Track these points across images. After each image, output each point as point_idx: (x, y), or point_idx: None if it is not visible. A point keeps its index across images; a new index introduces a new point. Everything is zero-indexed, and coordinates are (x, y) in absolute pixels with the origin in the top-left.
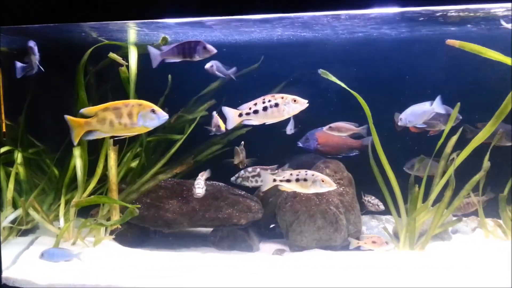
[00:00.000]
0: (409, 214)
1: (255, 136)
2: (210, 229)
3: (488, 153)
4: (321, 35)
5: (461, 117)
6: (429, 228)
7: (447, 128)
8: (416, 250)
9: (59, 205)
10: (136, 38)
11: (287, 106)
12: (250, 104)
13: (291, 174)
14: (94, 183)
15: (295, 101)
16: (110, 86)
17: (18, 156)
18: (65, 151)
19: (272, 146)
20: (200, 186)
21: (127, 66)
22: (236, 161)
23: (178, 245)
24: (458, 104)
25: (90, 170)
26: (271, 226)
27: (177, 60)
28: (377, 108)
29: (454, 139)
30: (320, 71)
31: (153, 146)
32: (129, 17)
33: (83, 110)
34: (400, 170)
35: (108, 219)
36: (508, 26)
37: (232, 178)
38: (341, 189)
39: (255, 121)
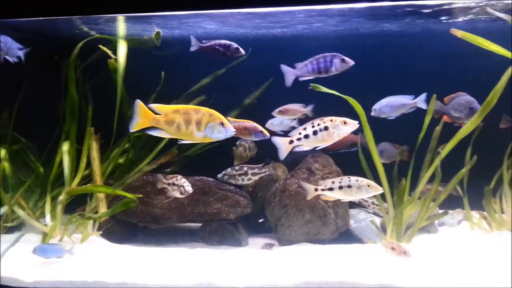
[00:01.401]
0: (396, 207)
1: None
2: (199, 225)
3: (470, 147)
4: (314, 29)
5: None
6: (415, 221)
7: (426, 121)
8: (403, 243)
9: (45, 202)
10: (126, 32)
11: (337, 129)
12: (300, 129)
13: (333, 182)
14: (79, 178)
15: (345, 123)
16: (97, 81)
17: (2, 152)
18: (53, 147)
19: (265, 142)
20: (188, 183)
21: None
22: (236, 162)
23: (166, 240)
24: (434, 96)
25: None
26: (260, 220)
27: (312, 77)
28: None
29: (438, 130)
30: (311, 85)
31: (141, 142)
32: (119, 11)
33: (154, 106)
34: (389, 164)
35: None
36: (497, 13)
37: (219, 175)
38: None
39: (306, 146)
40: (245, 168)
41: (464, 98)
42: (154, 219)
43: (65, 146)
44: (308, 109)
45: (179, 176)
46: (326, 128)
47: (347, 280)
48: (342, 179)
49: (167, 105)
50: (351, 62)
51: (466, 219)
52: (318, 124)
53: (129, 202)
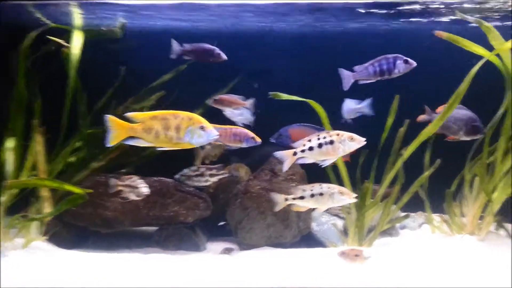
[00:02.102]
0: (358, 210)
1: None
2: (155, 228)
3: (429, 150)
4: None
5: None
6: (377, 224)
7: (388, 122)
8: (364, 246)
9: None
10: (82, 22)
11: (342, 144)
12: (304, 141)
13: (304, 190)
14: (26, 175)
15: (352, 138)
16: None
17: None
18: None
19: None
20: (145, 185)
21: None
22: (197, 162)
23: (119, 245)
24: (397, 96)
25: None
26: (220, 223)
27: (373, 80)
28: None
29: (402, 132)
30: (270, 94)
31: (97, 139)
32: None
33: (130, 114)
34: (353, 166)
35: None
36: (466, 17)
37: (176, 176)
38: (293, 185)
39: (309, 159)
40: (203, 169)
41: (464, 113)
42: (106, 222)
43: (10, 143)
44: (248, 102)
45: (135, 177)
46: (331, 142)
47: (309, 286)
48: (313, 186)
49: (144, 112)
50: (414, 63)
51: (427, 222)
52: (324, 137)
53: (76, 199)
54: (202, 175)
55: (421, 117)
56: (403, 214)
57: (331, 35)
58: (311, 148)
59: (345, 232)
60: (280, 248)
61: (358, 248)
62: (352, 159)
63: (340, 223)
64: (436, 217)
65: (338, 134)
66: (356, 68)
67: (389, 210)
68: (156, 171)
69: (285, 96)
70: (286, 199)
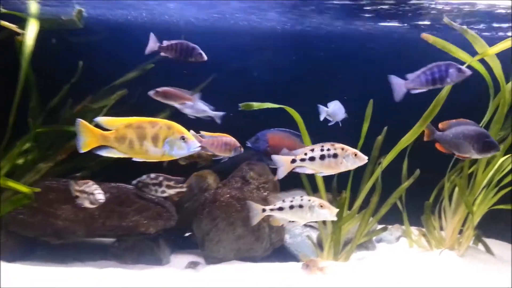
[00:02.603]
0: (334, 222)
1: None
2: (112, 240)
3: (405, 159)
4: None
5: None
6: (354, 237)
7: (364, 128)
8: (340, 261)
9: None
10: (38, 10)
11: (345, 159)
12: (306, 149)
13: (283, 201)
14: None
15: (355, 155)
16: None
17: None
18: None
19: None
20: (100, 191)
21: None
22: (182, 161)
23: (70, 258)
24: (371, 100)
25: None
26: (186, 235)
27: (424, 89)
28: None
29: (380, 140)
30: (241, 105)
31: (49, 140)
32: None
33: (101, 120)
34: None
35: None
36: (453, 23)
37: (133, 182)
38: (265, 193)
39: (309, 169)
40: (161, 178)
41: (473, 128)
42: (56, 232)
43: None
44: (194, 97)
45: (91, 182)
46: (335, 156)
47: None
48: (293, 197)
49: (118, 118)
50: (468, 72)
51: (405, 235)
52: (328, 149)
53: (21, 199)
54: (159, 184)
55: (426, 136)
56: (381, 226)
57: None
58: (312, 158)
59: (319, 245)
60: (250, 262)
61: (318, 259)
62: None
63: (314, 235)
64: (414, 231)
65: (343, 149)
66: (409, 76)
67: (366, 222)
68: (116, 177)
69: (256, 105)
70: (264, 210)
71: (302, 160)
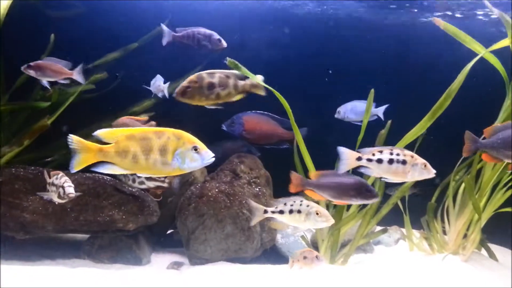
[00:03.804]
0: (333, 223)
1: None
2: (86, 236)
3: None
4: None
5: None
6: (353, 239)
7: (364, 121)
8: (338, 264)
9: None
10: None
11: (413, 169)
12: (374, 149)
13: (285, 205)
14: None
15: (425, 166)
16: None
17: None
18: None
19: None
20: (70, 184)
21: None
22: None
23: (38, 256)
24: (372, 90)
25: None
26: (168, 232)
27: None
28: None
29: (383, 135)
30: (228, 60)
31: (15, 125)
32: None
33: (99, 133)
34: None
35: None
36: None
37: None
38: (257, 189)
39: (374, 171)
40: None
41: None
42: (22, 226)
43: None
44: (75, 72)
45: (61, 174)
46: (404, 162)
47: None
48: (294, 201)
49: (118, 129)
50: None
51: (406, 238)
52: (398, 154)
53: None
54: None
55: (466, 148)
56: (380, 228)
57: None
58: (380, 161)
59: (313, 246)
60: (238, 264)
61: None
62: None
63: (309, 235)
64: (415, 233)
65: (412, 156)
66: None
67: (367, 223)
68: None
69: (243, 70)
70: (266, 212)
71: (369, 160)
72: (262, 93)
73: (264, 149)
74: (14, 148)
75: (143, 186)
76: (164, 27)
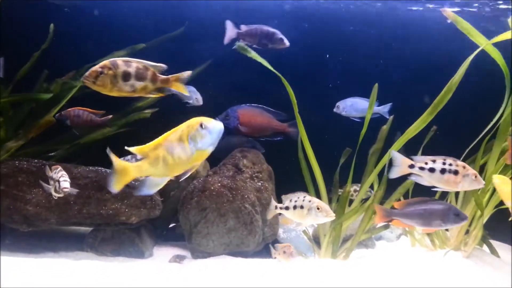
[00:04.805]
0: (336, 218)
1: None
2: (89, 229)
3: (419, 152)
4: None
5: None
6: (355, 234)
7: (367, 117)
8: (339, 259)
9: None
10: None
11: (464, 179)
12: (427, 158)
13: (290, 201)
14: None
15: (475, 177)
16: None
17: None
18: None
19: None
20: (66, 178)
21: None
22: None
23: (42, 248)
24: (376, 85)
25: None
26: (171, 225)
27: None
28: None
29: (385, 130)
30: (237, 44)
31: (19, 118)
32: None
33: (134, 149)
34: (330, 165)
35: None
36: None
37: None
38: (259, 184)
39: (425, 180)
40: None
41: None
42: (26, 219)
43: None
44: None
45: (59, 168)
46: (456, 172)
47: None
48: (298, 197)
49: (146, 145)
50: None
51: (407, 233)
52: (450, 164)
53: None
54: None
55: (509, 154)
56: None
57: None
58: (432, 170)
59: (315, 240)
60: (240, 258)
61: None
62: (331, 158)
63: (310, 229)
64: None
65: (464, 167)
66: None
67: (370, 217)
68: (97, 159)
69: (253, 54)
70: (276, 207)
71: (421, 168)
72: (184, 92)
73: (267, 144)
74: (20, 143)
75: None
76: (228, 23)
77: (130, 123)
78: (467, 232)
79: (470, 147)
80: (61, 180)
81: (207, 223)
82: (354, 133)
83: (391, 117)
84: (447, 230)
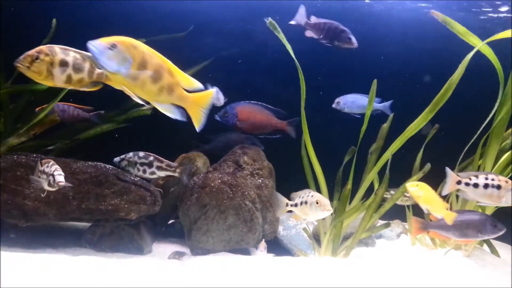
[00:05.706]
0: (337, 215)
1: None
2: (87, 225)
3: (421, 151)
4: None
5: None
6: (355, 232)
7: (367, 113)
8: (340, 257)
9: None
10: None
11: (507, 194)
12: (471, 174)
13: (299, 198)
14: None
15: None
16: None
17: None
18: None
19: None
20: (61, 172)
21: None
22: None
23: (40, 243)
24: (375, 81)
25: None
26: (170, 222)
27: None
28: None
29: (385, 128)
30: (268, 20)
31: (17, 112)
32: None
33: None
34: (330, 163)
35: None
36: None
37: (116, 159)
38: (260, 180)
39: (469, 195)
40: (151, 158)
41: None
42: (24, 214)
43: None
44: None
45: (51, 162)
46: (498, 187)
47: None
48: (304, 193)
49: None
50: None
51: (407, 232)
52: (493, 179)
53: None
54: (149, 165)
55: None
56: (382, 222)
57: None
58: (476, 185)
59: (315, 238)
60: (240, 255)
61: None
62: (334, 157)
63: (310, 227)
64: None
65: (507, 182)
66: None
67: (370, 216)
68: (96, 154)
69: (281, 36)
70: (287, 205)
71: (467, 184)
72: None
73: (267, 141)
74: (22, 139)
75: (153, 176)
76: (302, 8)
77: (130, 119)
78: None
79: (466, 149)
80: (56, 174)
81: (207, 219)
82: (353, 130)
83: (391, 115)
84: None
